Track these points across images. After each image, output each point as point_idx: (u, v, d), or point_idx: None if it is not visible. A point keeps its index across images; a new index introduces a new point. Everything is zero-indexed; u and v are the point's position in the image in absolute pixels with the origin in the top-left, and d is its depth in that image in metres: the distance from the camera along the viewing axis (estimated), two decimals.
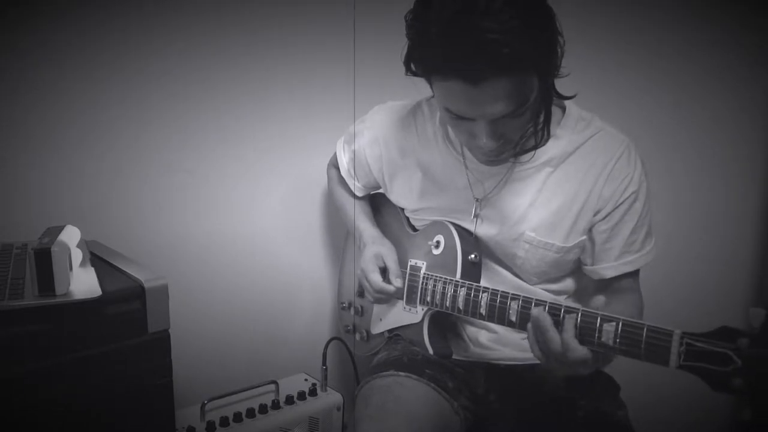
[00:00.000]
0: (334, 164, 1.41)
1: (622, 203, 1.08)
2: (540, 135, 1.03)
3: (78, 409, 0.91)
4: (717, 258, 1.89)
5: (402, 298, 1.22)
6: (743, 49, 1.77)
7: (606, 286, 1.14)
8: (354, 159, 1.31)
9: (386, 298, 1.23)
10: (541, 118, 1.01)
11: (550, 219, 1.09)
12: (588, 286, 1.19)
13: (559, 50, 0.94)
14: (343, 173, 1.35)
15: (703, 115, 1.83)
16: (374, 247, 1.25)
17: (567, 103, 1.10)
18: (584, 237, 1.10)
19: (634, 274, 1.15)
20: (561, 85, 1.01)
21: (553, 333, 0.89)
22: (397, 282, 1.19)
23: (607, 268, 1.12)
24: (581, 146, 1.08)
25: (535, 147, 1.06)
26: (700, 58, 1.78)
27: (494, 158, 1.06)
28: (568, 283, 1.18)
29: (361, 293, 1.36)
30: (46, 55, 1.19)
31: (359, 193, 1.36)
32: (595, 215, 1.09)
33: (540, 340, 0.91)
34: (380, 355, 1.28)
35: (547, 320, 0.90)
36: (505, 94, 0.90)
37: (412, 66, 0.96)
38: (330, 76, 1.57)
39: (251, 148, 1.49)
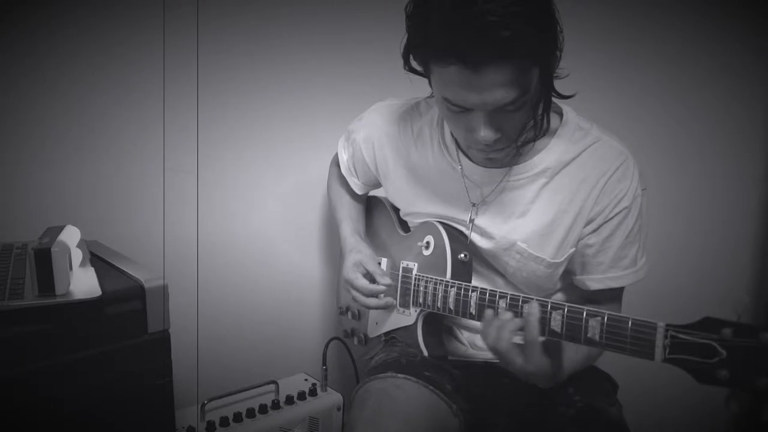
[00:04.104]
0: (335, 162, 1.41)
1: (613, 217, 1.06)
2: (540, 125, 1.00)
3: (78, 409, 0.91)
4: (716, 259, 1.89)
5: (396, 300, 1.22)
6: (743, 49, 1.77)
7: (589, 298, 1.12)
8: (353, 156, 1.31)
9: (383, 302, 1.20)
10: (541, 108, 0.98)
11: (542, 231, 1.08)
12: (572, 298, 1.18)
13: (559, 44, 0.93)
14: (344, 171, 1.35)
15: (702, 115, 1.83)
16: (351, 255, 1.25)
17: (566, 109, 1.09)
18: (573, 249, 1.09)
19: (618, 292, 1.13)
20: (558, 86, 1.00)
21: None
22: (384, 280, 1.20)
23: (593, 280, 1.11)
24: (577, 157, 1.06)
25: (535, 138, 1.03)
26: (699, 57, 1.78)
27: (492, 156, 1.04)
28: (559, 297, 1.18)
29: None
30: (45, 55, 1.19)
31: (359, 191, 1.35)
32: (584, 227, 1.08)
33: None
34: (378, 356, 1.28)
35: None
36: (506, 80, 0.88)
37: (411, 58, 0.95)
38: (331, 77, 1.57)
39: (251, 148, 1.49)
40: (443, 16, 0.87)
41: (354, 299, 1.23)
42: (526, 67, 0.89)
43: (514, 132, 0.99)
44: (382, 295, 1.21)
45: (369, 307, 1.23)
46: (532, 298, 0.94)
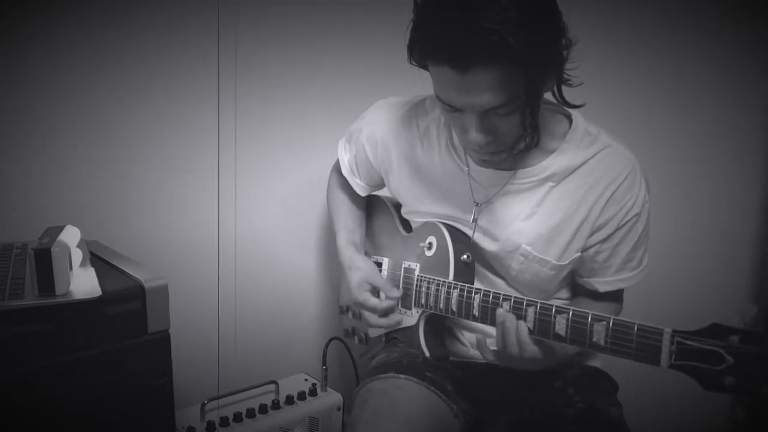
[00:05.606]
0: (336, 168, 1.40)
1: (624, 225, 1.07)
2: (530, 138, 0.99)
3: (78, 408, 0.91)
4: (715, 261, 1.89)
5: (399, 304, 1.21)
6: (742, 49, 1.77)
7: (595, 298, 1.15)
8: (356, 155, 1.29)
9: (394, 321, 1.18)
10: (528, 116, 0.96)
11: (547, 234, 1.08)
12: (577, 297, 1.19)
13: (563, 53, 0.93)
14: (345, 173, 1.33)
15: (702, 116, 1.83)
16: (352, 274, 1.21)
17: (574, 115, 1.09)
18: (579, 254, 1.10)
19: (622, 291, 1.16)
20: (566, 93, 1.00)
21: (513, 335, 0.95)
22: (393, 293, 1.17)
23: (602, 282, 1.12)
24: (585, 163, 1.06)
25: (527, 148, 1.02)
26: (699, 58, 1.78)
27: (488, 159, 1.04)
28: (563, 294, 1.19)
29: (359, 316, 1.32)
30: (45, 54, 1.19)
31: (362, 192, 1.33)
32: (592, 235, 1.08)
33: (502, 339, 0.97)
34: (379, 356, 1.27)
35: (512, 322, 0.96)
36: (492, 84, 0.88)
37: (414, 51, 0.95)
38: (331, 77, 1.57)
39: (251, 147, 1.49)
40: (440, 17, 0.87)
41: (367, 321, 1.19)
42: (515, 73, 0.88)
43: (508, 137, 0.99)
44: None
45: (382, 327, 1.20)
46: (536, 302, 0.94)
